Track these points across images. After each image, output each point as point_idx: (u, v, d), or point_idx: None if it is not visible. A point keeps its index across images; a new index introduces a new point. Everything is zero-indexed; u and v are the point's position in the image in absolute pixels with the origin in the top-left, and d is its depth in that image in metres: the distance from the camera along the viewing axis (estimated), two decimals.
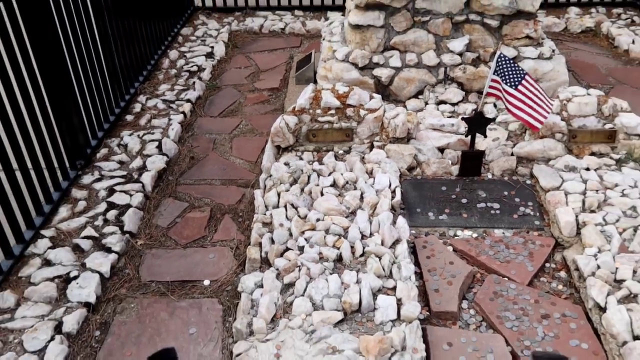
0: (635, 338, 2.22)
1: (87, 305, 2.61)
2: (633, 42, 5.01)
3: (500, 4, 3.87)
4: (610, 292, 2.42)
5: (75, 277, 2.73)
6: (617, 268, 2.52)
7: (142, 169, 3.53)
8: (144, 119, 4.10)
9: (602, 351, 2.30)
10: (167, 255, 2.93)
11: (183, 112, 4.17)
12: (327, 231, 2.76)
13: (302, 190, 3.06)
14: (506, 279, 2.67)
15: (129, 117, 4.13)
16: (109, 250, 2.91)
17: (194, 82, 4.60)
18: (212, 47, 5.27)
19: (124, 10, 4.28)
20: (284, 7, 6.13)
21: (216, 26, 5.77)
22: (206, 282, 2.75)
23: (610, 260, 2.56)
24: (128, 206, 3.19)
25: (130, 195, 3.28)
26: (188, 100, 4.34)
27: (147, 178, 3.43)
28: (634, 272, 2.49)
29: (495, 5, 3.88)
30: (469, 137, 3.28)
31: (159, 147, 3.74)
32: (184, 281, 2.76)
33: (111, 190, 3.32)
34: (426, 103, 3.97)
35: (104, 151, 3.71)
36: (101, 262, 2.82)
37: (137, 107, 4.25)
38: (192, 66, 4.88)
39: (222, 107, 4.37)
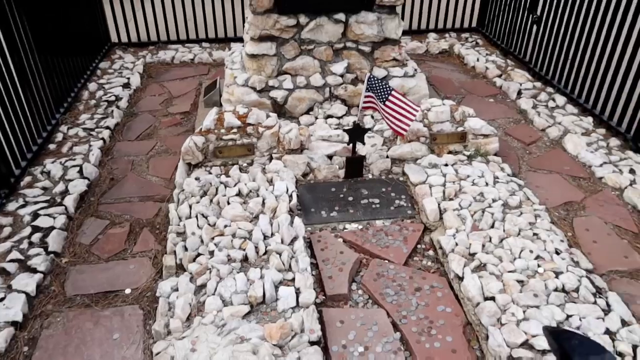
0: (486, 299, 2.34)
1: (14, 324, 2.39)
2: (477, 60, 5.30)
3: (370, 33, 3.96)
4: (466, 264, 2.54)
5: (2, 299, 2.49)
6: (470, 244, 2.65)
7: (65, 192, 3.28)
8: (65, 146, 3.82)
9: (462, 313, 2.40)
10: (91, 269, 2.73)
11: (102, 138, 3.93)
12: (234, 235, 2.69)
13: (211, 201, 2.98)
14: (386, 261, 2.73)
15: (52, 146, 3.83)
16: (34, 270, 2.68)
17: (112, 111, 4.35)
18: (129, 78, 5.01)
19: (43, 47, 3.98)
20: (192, 40, 5.95)
21: (132, 59, 5.50)
22: (127, 291, 2.59)
23: (465, 238, 2.68)
24: (52, 228, 2.96)
25: (54, 218, 3.04)
26: (107, 127, 4.10)
27: (70, 200, 3.19)
28: (483, 245, 2.63)
29: (366, 34, 3.97)
30: (351, 145, 3.33)
31: (80, 171, 3.50)
32: (107, 292, 2.59)
33: (35, 215, 3.06)
34: (316, 118, 3.99)
35: (27, 179, 3.42)
36: (27, 282, 2.59)
37: (59, 136, 3.95)
38: (110, 96, 4.62)
39: (139, 131, 4.16)
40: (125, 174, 3.59)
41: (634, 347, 2.12)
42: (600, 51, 4.02)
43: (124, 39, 5.89)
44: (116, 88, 4.79)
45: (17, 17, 3.63)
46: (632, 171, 3.46)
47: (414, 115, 3.15)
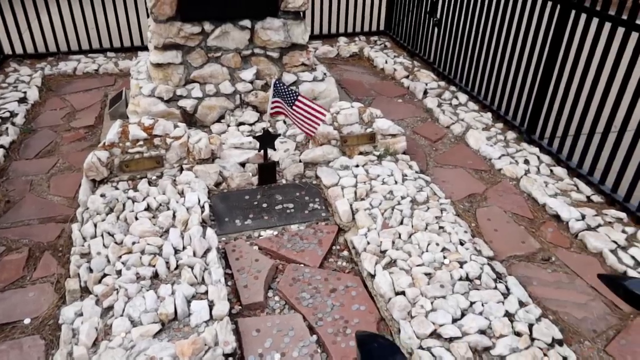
0: (397, 294, 2.42)
1: None
2: (386, 62, 5.49)
3: (277, 39, 3.98)
4: (377, 261, 2.61)
5: None
6: (381, 242, 2.73)
7: None
8: None
9: (375, 310, 2.47)
10: None
11: None
12: (142, 252, 2.59)
13: (118, 217, 2.85)
14: (302, 265, 2.75)
15: None
16: None
17: (6, 128, 4.04)
18: (25, 92, 4.68)
19: None
20: (95, 50, 5.67)
21: (29, 72, 5.15)
22: (27, 321, 2.41)
23: (376, 236, 2.77)
24: None
25: None
26: (1, 146, 3.80)
27: None
28: (393, 242, 2.72)
29: (273, 40, 3.98)
30: (262, 151, 3.33)
31: None
32: (2, 324, 2.40)
33: None
34: (228, 125, 3.94)
35: None
36: None
37: None
38: (3, 112, 4.28)
39: (38, 149, 3.90)
40: (23, 195, 3.35)
41: (530, 326, 2.28)
42: (494, 50, 4.30)
43: (19, 50, 5.50)
44: (11, 103, 4.46)
45: None
46: (526, 161, 3.73)
47: (322, 118, 3.21)
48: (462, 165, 3.77)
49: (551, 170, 3.63)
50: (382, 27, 6.44)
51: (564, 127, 3.67)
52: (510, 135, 4.10)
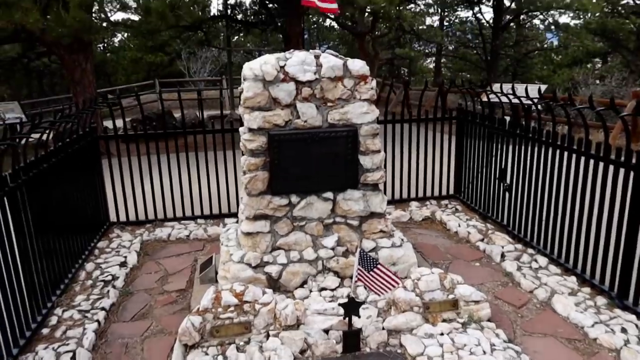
0: None
1: None
2: (459, 225, 5.64)
3: (357, 208, 4.30)
4: None
5: None
6: None
7: None
8: (59, 330, 3.80)
9: None
10: None
11: (97, 320, 3.94)
12: None
13: None
14: None
15: (45, 330, 3.82)
16: None
17: (108, 291, 4.42)
18: (126, 257, 5.18)
19: (45, 228, 4.18)
20: (188, 217, 6.29)
21: (129, 237, 5.74)
22: None
23: None
24: None
25: None
26: (102, 308, 4.13)
27: None
28: None
29: (353, 210, 4.30)
30: (347, 318, 3.40)
31: (74, 357, 3.44)
32: None
33: None
34: (310, 291, 4.09)
35: None
36: None
37: (54, 320, 3.96)
38: (106, 276, 4.73)
39: (134, 312, 4.19)
40: (118, 359, 3.53)
41: None
42: (570, 211, 4.36)
43: (123, 217, 6.20)
44: (113, 267, 4.93)
45: (26, 202, 3.89)
46: (624, 330, 3.52)
47: (395, 286, 3.38)
48: (552, 334, 3.61)
49: None
50: (451, 191, 6.74)
51: None
52: (600, 300, 3.94)
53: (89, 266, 4.96)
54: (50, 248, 4.29)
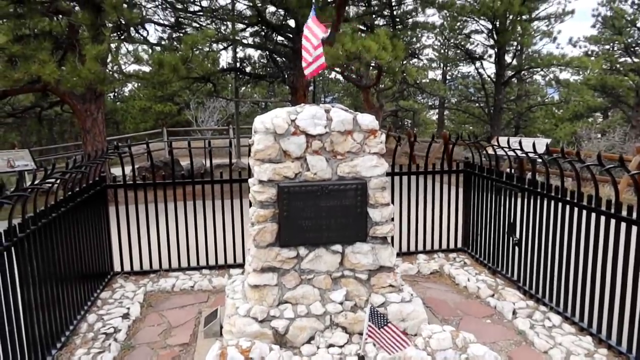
0: None
1: None
2: (468, 280, 5.53)
3: (366, 262, 4.23)
4: None
5: None
6: None
7: None
8: None
9: None
10: None
11: None
12: None
13: None
14: None
15: None
16: None
17: (109, 344, 4.30)
18: (128, 308, 5.07)
19: (50, 278, 4.11)
20: (192, 267, 6.20)
21: (133, 288, 5.64)
22: None
23: None
24: None
25: None
26: None
27: None
28: None
29: (362, 263, 4.23)
30: None
31: None
32: None
33: None
34: (318, 347, 3.97)
35: None
36: None
37: None
38: (108, 328, 4.61)
39: None
40: None
41: None
42: (582, 268, 4.28)
43: (127, 267, 6.12)
44: (115, 319, 4.81)
45: (32, 252, 3.84)
46: None
47: (405, 346, 3.30)
48: None
49: None
50: (459, 244, 6.65)
51: None
52: None
53: (91, 318, 4.85)
54: (54, 299, 4.21)
